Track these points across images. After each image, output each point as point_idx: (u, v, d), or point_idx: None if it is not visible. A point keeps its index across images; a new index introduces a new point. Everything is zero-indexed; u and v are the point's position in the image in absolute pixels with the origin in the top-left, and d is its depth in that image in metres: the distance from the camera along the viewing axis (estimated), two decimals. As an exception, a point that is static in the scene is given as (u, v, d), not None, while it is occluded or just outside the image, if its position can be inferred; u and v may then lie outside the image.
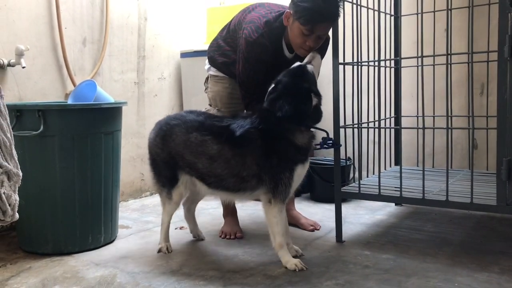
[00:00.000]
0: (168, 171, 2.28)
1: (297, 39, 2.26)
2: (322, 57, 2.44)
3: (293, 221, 2.72)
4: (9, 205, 1.35)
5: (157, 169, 2.33)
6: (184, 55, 3.74)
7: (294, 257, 2.16)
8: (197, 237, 2.54)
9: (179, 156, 2.22)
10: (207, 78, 2.67)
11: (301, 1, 2.17)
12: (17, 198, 1.38)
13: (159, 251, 2.35)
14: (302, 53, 2.30)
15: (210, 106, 2.63)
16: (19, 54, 2.62)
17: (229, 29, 2.50)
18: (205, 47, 3.58)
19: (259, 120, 2.10)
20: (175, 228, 2.72)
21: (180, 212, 2.96)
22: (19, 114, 2.27)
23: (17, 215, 1.39)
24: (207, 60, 2.63)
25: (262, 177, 2.09)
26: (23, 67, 2.63)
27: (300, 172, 2.12)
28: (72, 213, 2.34)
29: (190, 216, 2.56)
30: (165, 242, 2.38)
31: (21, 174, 1.40)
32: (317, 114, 2.12)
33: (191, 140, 2.17)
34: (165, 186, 2.31)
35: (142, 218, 3.01)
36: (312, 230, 2.63)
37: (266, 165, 2.07)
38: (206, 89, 2.68)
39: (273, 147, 2.07)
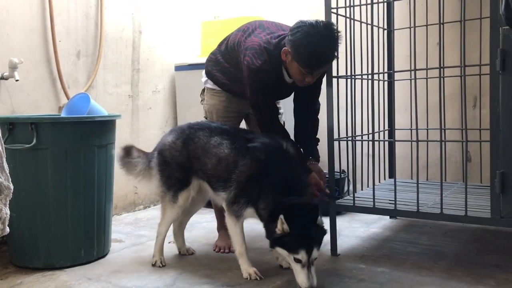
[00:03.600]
0: (181, 173, 2.32)
1: (296, 76, 2.29)
2: (320, 84, 2.49)
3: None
4: (0, 218, 1.33)
5: (167, 172, 2.35)
6: (179, 68, 3.75)
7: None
8: (186, 253, 2.52)
9: (196, 158, 2.30)
10: (203, 90, 2.67)
11: (301, 46, 2.17)
12: (8, 212, 1.36)
13: (154, 264, 2.34)
14: (302, 85, 2.34)
15: (206, 118, 2.63)
16: (13, 67, 2.61)
17: (227, 45, 2.49)
18: (200, 60, 3.61)
19: (273, 157, 2.13)
20: (168, 242, 2.68)
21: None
22: (12, 127, 2.26)
23: (7, 229, 1.37)
24: (203, 72, 2.63)
25: (229, 187, 2.17)
26: (17, 80, 2.62)
27: (252, 213, 2.15)
28: (64, 227, 2.32)
29: (180, 232, 2.55)
30: (160, 255, 2.38)
31: (12, 187, 1.39)
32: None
33: (211, 142, 2.27)
34: (171, 189, 2.33)
35: (135, 232, 2.98)
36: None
37: (239, 185, 2.14)
38: (202, 100, 2.68)
39: (252, 181, 2.11)
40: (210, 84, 2.60)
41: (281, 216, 1.94)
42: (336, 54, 2.27)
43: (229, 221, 2.18)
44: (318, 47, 2.16)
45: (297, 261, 1.93)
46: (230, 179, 2.16)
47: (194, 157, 2.31)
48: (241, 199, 2.14)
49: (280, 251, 1.98)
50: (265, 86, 2.31)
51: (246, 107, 2.53)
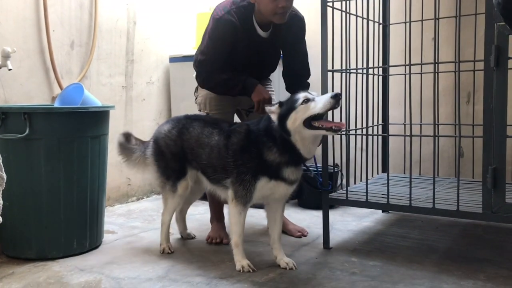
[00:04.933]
0: (176, 163, 2.36)
1: (268, 7, 2.25)
2: (307, 73, 2.53)
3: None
4: (-8, 208, 1.33)
5: (163, 161, 2.39)
6: (173, 59, 3.73)
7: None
8: (188, 237, 2.65)
9: (190, 149, 2.32)
10: (196, 87, 2.66)
11: None
12: (1, 202, 1.36)
13: (162, 251, 2.40)
14: (279, 18, 2.30)
15: (200, 111, 2.62)
16: (6, 56, 2.58)
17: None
18: (195, 52, 3.59)
19: (254, 125, 2.17)
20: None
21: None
22: (5, 116, 2.25)
23: (0, 219, 1.37)
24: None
25: (231, 173, 2.16)
26: (10, 69, 2.59)
27: (265, 185, 2.12)
28: (57, 218, 2.31)
29: (181, 218, 2.66)
30: (167, 242, 2.44)
31: (5, 177, 1.39)
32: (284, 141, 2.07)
33: (204, 133, 2.29)
34: (170, 178, 2.37)
35: (128, 223, 2.98)
36: (300, 237, 2.63)
37: (237, 163, 2.13)
38: (196, 98, 2.67)
39: (248, 150, 2.13)
40: None
41: (265, 107, 2.11)
42: None
43: (235, 210, 2.16)
44: None
45: (306, 101, 2.01)
46: (228, 164, 2.15)
47: (188, 148, 2.32)
48: (245, 176, 2.10)
49: (292, 122, 2.01)
50: (222, 41, 2.33)
51: (238, 97, 2.54)
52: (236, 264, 2.16)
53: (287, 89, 2.62)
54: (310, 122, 2.01)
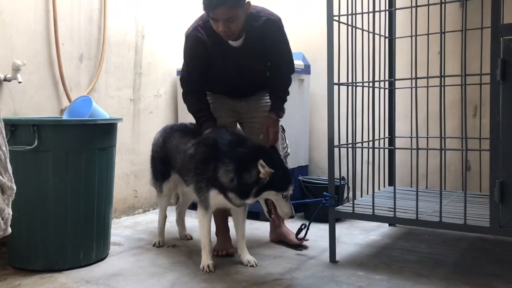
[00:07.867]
0: (162, 167, 2.67)
1: (213, 26, 2.30)
2: (288, 68, 2.54)
3: (282, 238, 2.73)
4: (2, 218, 1.34)
5: (154, 165, 2.74)
6: (181, 73, 3.75)
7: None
8: (185, 238, 2.85)
9: (171, 155, 2.58)
10: None
11: None
12: (10, 212, 1.37)
13: (154, 244, 2.71)
14: (224, 37, 2.33)
15: None
16: (16, 69, 2.62)
17: None
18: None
19: (223, 143, 2.28)
20: (167, 246, 2.71)
21: (173, 230, 2.96)
22: (14, 128, 2.27)
23: (9, 229, 1.38)
24: None
25: (192, 178, 2.37)
26: (19, 82, 2.63)
27: (217, 196, 2.28)
28: (64, 229, 2.32)
29: (180, 220, 2.90)
30: (160, 237, 2.76)
31: (15, 188, 1.39)
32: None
33: (182, 141, 2.52)
34: (158, 180, 2.72)
35: (134, 235, 2.98)
36: (300, 243, 2.64)
37: (197, 171, 2.33)
38: None
39: (207, 163, 2.30)
40: None
41: (261, 161, 2.10)
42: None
43: (199, 213, 2.37)
44: None
45: (285, 196, 2.18)
46: (190, 170, 2.37)
47: (170, 154, 2.59)
48: (202, 184, 2.30)
49: (266, 194, 2.17)
50: (193, 56, 2.43)
51: (236, 107, 2.62)
52: (201, 262, 2.32)
53: (269, 79, 2.61)
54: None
